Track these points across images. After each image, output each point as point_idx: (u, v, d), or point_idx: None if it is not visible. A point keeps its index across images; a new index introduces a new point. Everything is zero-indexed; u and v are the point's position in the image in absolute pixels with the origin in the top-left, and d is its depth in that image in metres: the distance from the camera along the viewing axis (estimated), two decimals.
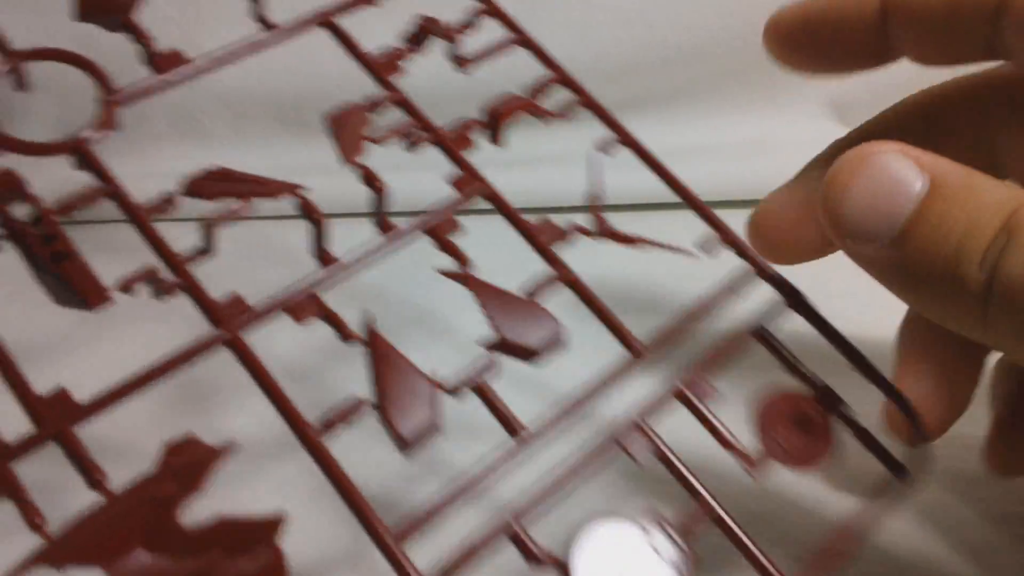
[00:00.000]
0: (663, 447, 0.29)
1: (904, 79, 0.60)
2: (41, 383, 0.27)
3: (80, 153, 0.32)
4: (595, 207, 0.34)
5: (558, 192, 0.50)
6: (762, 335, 0.32)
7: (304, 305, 0.30)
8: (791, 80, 0.60)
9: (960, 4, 0.33)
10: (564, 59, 0.39)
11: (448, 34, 0.36)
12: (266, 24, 0.36)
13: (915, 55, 0.37)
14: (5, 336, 0.28)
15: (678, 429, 0.30)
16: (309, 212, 0.31)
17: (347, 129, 0.33)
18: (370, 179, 0.32)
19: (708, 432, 0.30)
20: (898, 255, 0.28)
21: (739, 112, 0.57)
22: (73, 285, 0.28)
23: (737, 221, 0.35)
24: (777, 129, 0.56)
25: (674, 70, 0.58)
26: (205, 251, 0.30)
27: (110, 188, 0.31)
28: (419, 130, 0.34)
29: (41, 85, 0.56)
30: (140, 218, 0.31)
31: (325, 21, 0.36)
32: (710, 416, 0.30)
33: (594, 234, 0.34)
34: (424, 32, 0.36)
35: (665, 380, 0.31)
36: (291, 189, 0.31)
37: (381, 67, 0.35)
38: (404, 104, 0.34)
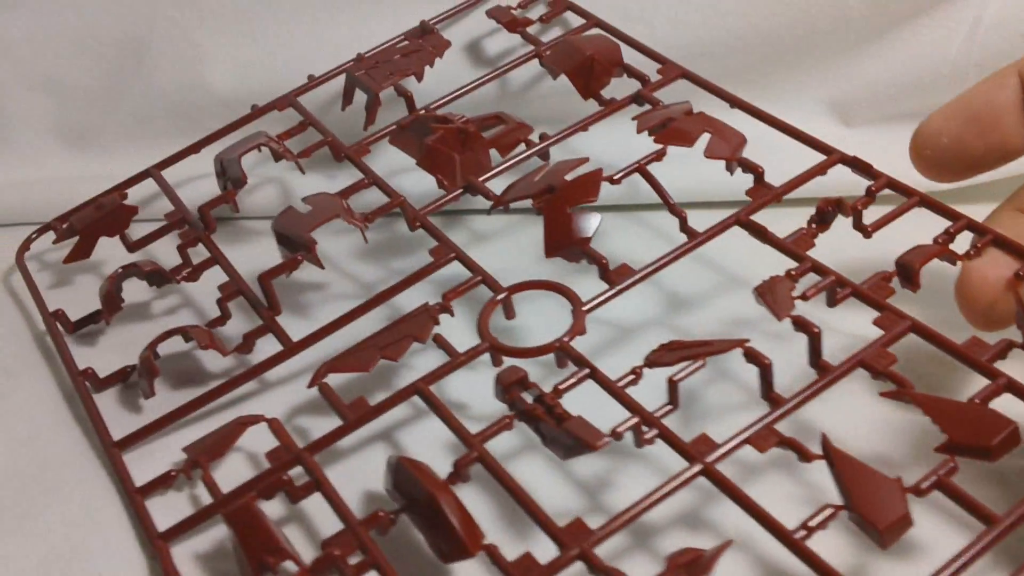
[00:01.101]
0: None
1: (904, 81, 0.56)
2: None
3: (562, 351, 0.39)
4: None
5: None
6: None
7: (765, 437, 0.34)
8: (791, 80, 0.58)
9: None
10: None
11: (851, 209, 0.41)
12: (688, 232, 0.43)
13: None
14: None
15: None
16: (757, 359, 0.36)
17: (777, 293, 0.38)
18: (805, 326, 0.36)
19: None
20: None
21: (738, 112, 0.53)
22: (576, 436, 0.34)
23: None
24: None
25: None
26: (672, 406, 0.36)
27: (590, 372, 0.38)
28: (838, 286, 0.38)
29: (41, 85, 0.59)
30: (614, 390, 0.37)
31: (741, 220, 0.42)
32: None
33: None
34: (829, 212, 0.41)
35: None
36: (739, 344, 0.36)
37: (796, 245, 0.40)
38: (819, 269, 0.39)
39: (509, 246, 0.52)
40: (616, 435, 0.35)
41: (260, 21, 0.58)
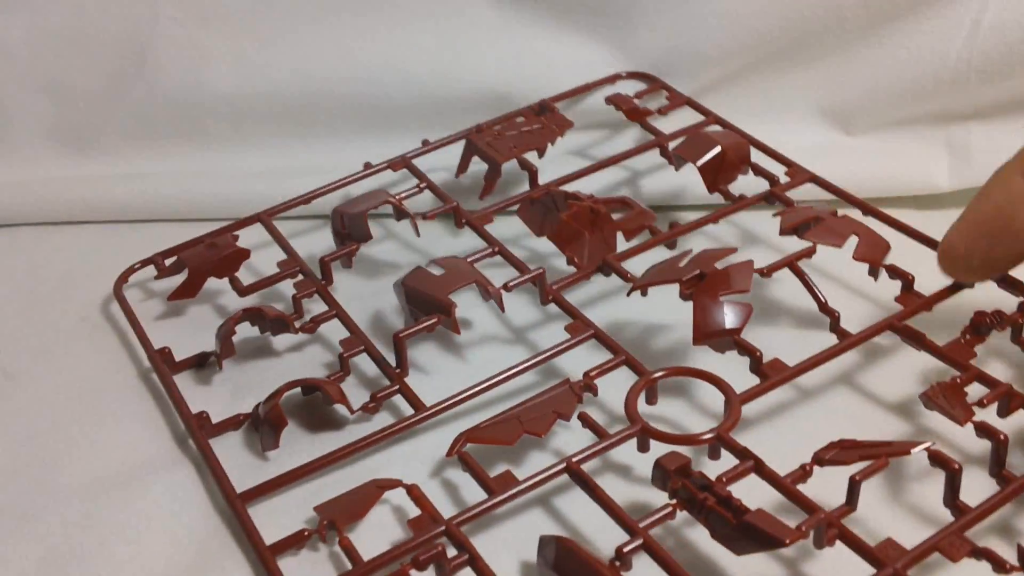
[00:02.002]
0: None
1: (904, 86, 0.56)
2: None
3: (721, 442, 0.38)
4: None
5: None
6: None
7: (957, 546, 0.33)
8: (789, 87, 0.58)
9: None
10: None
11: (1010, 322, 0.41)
12: (839, 332, 0.42)
13: None
14: None
15: None
16: (945, 463, 0.35)
17: (950, 400, 0.37)
18: (990, 433, 0.36)
19: None
20: None
21: (738, 119, 0.55)
22: (762, 531, 0.33)
23: None
24: (776, 136, 0.53)
25: None
26: (850, 507, 0.35)
27: (754, 465, 0.37)
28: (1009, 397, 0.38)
29: (41, 85, 0.59)
30: (784, 486, 0.36)
31: (895, 326, 0.42)
32: None
33: None
34: (985, 324, 0.41)
35: None
36: (924, 446, 0.35)
37: (956, 353, 0.40)
38: (983, 378, 0.39)
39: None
40: (801, 533, 0.33)
41: (260, 21, 0.58)
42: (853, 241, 0.45)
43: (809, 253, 0.45)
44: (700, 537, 0.37)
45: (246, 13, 0.57)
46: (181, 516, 0.40)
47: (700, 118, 0.56)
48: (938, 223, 0.43)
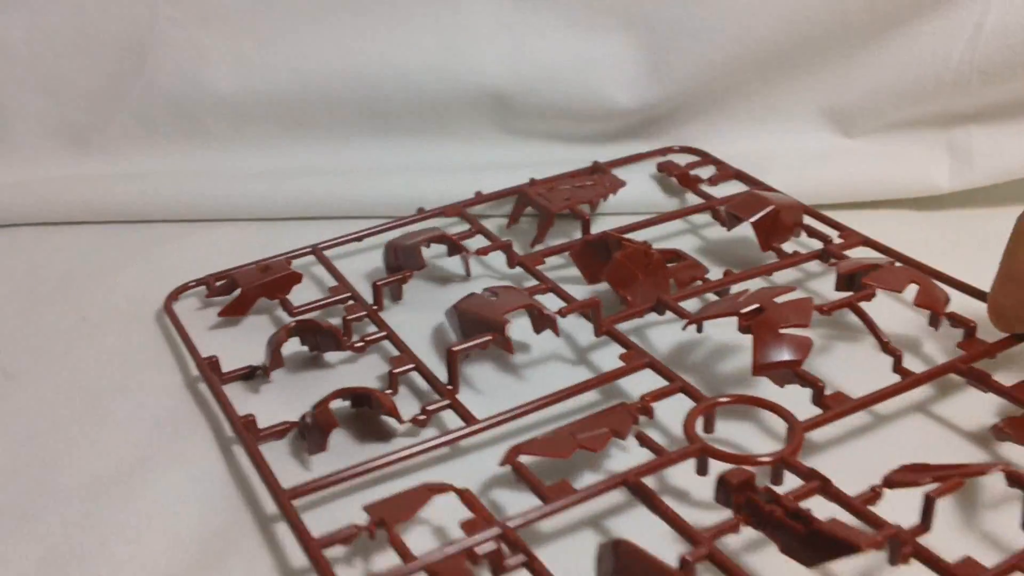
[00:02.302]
0: None
1: (906, 88, 0.56)
2: None
3: (785, 464, 0.37)
4: None
5: None
6: None
7: None
8: (790, 91, 0.58)
9: None
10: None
11: None
12: (901, 372, 0.42)
13: None
14: None
15: None
16: (1022, 483, 0.33)
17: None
18: None
19: None
20: None
21: (739, 122, 0.55)
22: (838, 537, 0.32)
23: None
24: (777, 139, 0.53)
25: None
26: (925, 526, 0.34)
27: (820, 485, 0.36)
28: None
29: (41, 85, 0.58)
30: (854, 506, 0.34)
31: (959, 368, 0.41)
32: None
33: None
34: None
35: None
36: (1002, 467, 0.34)
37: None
38: None
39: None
40: (876, 541, 0.32)
41: (260, 21, 0.59)
42: (912, 289, 0.45)
43: (868, 296, 0.45)
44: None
45: (246, 13, 0.58)
46: (181, 516, 0.39)
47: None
48: (938, 224, 0.42)
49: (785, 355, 0.41)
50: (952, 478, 0.34)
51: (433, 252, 0.53)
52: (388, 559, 0.36)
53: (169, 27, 0.58)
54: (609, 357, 0.46)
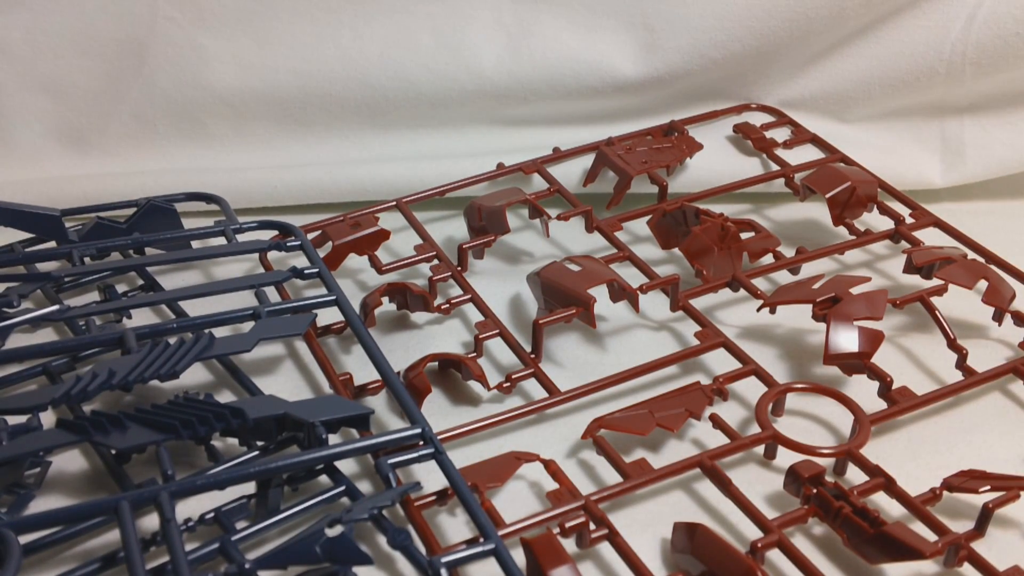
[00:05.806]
0: None
1: (899, 77, 0.57)
2: None
3: (851, 458, 0.39)
4: None
5: None
6: None
7: None
8: (789, 79, 0.59)
9: None
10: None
11: None
12: (964, 369, 0.44)
13: None
14: None
15: None
16: None
17: None
18: None
19: None
20: None
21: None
22: (903, 542, 0.34)
23: None
24: None
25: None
26: (980, 531, 0.36)
27: (885, 482, 0.38)
28: None
29: (41, 85, 0.58)
30: (915, 505, 0.37)
31: (1019, 370, 0.43)
32: None
33: None
34: None
35: None
36: None
37: None
38: None
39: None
40: (939, 548, 0.35)
41: (260, 21, 0.59)
42: (982, 284, 0.46)
43: (941, 290, 0.46)
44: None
45: (246, 13, 0.58)
46: None
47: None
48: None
49: (857, 347, 0.43)
50: (1012, 489, 0.37)
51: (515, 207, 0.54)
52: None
53: (169, 27, 0.58)
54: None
